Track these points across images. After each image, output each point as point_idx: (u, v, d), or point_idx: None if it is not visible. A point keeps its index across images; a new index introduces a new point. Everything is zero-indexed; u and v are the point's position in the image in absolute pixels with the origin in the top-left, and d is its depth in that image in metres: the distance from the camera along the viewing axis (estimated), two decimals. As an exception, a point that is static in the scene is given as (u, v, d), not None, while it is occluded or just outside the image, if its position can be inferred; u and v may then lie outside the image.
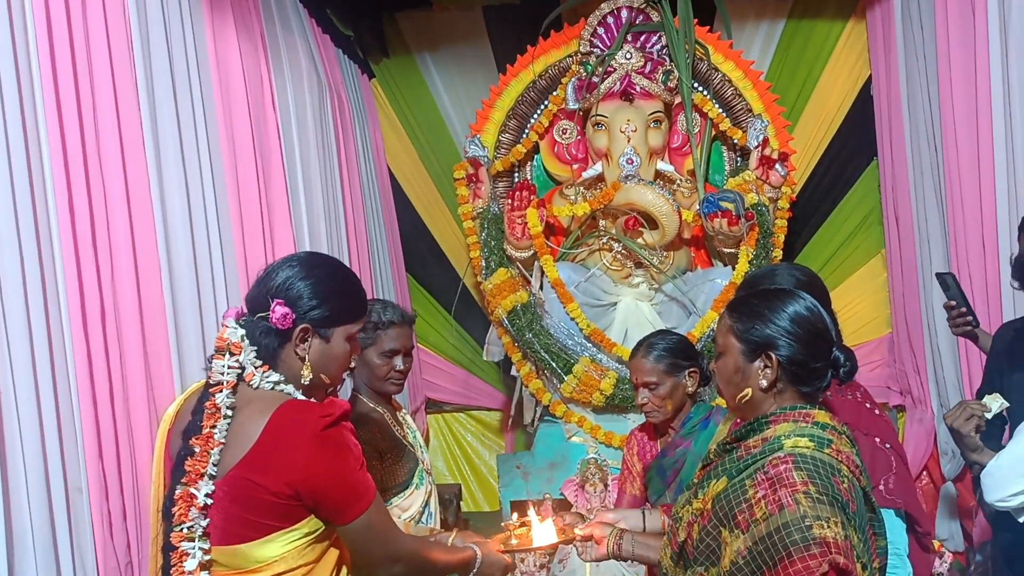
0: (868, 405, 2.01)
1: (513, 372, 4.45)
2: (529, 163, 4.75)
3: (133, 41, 2.50)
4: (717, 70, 4.41)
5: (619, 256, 4.34)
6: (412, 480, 2.23)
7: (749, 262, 4.04)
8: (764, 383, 1.47)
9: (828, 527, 1.27)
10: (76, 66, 2.26)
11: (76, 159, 2.22)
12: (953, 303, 2.62)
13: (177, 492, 1.49)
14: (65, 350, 2.12)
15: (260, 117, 3.31)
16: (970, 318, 2.63)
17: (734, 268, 4.11)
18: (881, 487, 1.86)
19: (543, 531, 1.99)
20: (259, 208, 3.18)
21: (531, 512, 2.05)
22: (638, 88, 4.29)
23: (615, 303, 4.31)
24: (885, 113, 4.39)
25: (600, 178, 4.35)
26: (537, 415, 4.44)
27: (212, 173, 2.86)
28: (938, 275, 2.72)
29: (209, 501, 1.48)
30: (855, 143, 4.74)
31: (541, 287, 4.29)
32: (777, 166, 4.22)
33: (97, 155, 2.31)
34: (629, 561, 1.94)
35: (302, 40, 3.92)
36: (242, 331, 1.56)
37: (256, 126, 3.23)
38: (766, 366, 1.47)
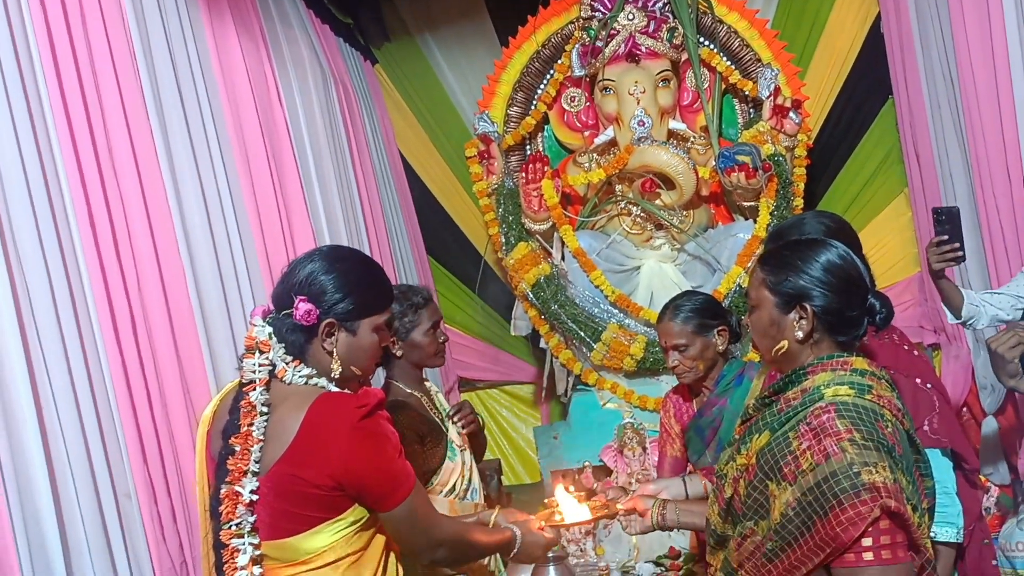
0: (905, 347, 1.98)
1: (542, 344, 4.45)
2: (540, 135, 4.71)
3: (136, 52, 2.51)
4: (722, 22, 4.34)
5: (638, 219, 4.31)
6: (444, 454, 2.25)
7: (770, 214, 4.00)
8: (800, 335, 1.45)
9: (876, 472, 1.26)
10: (82, 82, 2.28)
11: (92, 175, 2.24)
12: (945, 238, 2.57)
13: (223, 491, 1.51)
14: (100, 362, 2.15)
15: (268, 114, 3.31)
16: (960, 253, 2.58)
17: (755, 221, 4.07)
18: (926, 427, 1.84)
19: (583, 509, 2.00)
20: (275, 204, 3.19)
21: (559, 491, 2.04)
22: (643, 48, 4.23)
23: (638, 267, 4.29)
24: (897, 50, 4.30)
25: (613, 143, 4.31)
26: (570, 385, 4.44)
27: (226, 174, 2.87)
28: (935, 210, 2.66)
29: (255, 497, 1.49)
30: (868, 83, 4.65)
31: (563, 258, 4.28)
32: (791, 114, 4.16)
33: (112, 169, 2.33)
34: (675, 530, 1.95)
35: (302, 32, 3.90)
36: (269, 329, 1.57)
37: (265, 123, 3.23)
38: (801, 317, 1.45)
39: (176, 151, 2.62)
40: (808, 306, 1.44)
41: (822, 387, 1.40)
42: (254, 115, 3.17)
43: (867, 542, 1.25)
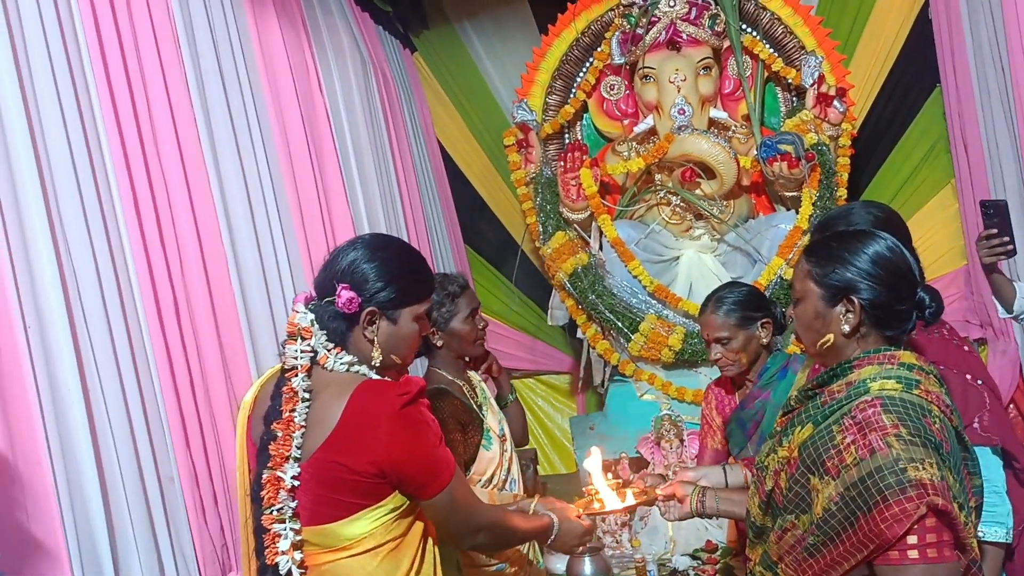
0: (955, 341, 1.94)
1: (579, 335, 4.43)
2: (579, 123, 4.68)
3: (180, 40, 2.54)
4: (765, 9, 4.26)
5: (678, 209, 4.27)
6: (480, 442, 2.25)
7: (813, 204, 3.93)
8: (846, 328, 1.42)
9: (923, 469, 1.23)
10: (128, 72, 2.31)
11: (137, 165, 2.27)
12: (994, 232, 2.49)
13: (264, 476, 1.52)
14: (145, 349, 2.19)
15: (309, 102, 3.33)
16: (1011, 247, 2.51)
17: (798, 212, 4.01)
18: (975, 424, 1.80)
19: (621, 494, 1.99)
20: (315, 193, 3.21)
21: (595, 477, 2.04)
22: (684, 36, 4.17)
23: (677, 257, 4.25)
24: (946, 36, 4.19)
25: (652, 132, 4.27)
26: (607, 375, 4.42)
27: (268, 163, 2.89)
28: (983, 203, 2.59)
29: (296, 483, 1.51)
30: (916, 71, 4.54)
31: (601, 247, 4.25)
32: (835, 102, 4.08)
33: (157, 158, 2.37)
34: (713, 518, 1.93)
35: (342, 20, 3.92)
36: (311, 316, 1.58)
37: (305, 111, 3.25)
38: (848, 311, 1.42)
39: (219, 139, 2.65)
40: (855, 299, 1.41)
41: (868, 380, 1.37)
42: (295, 103, 3.19)
43: (912, 540, 1.23)
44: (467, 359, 2.38)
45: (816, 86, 4.10)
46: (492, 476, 2.23)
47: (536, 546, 2.26)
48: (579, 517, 1.89)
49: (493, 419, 2.31)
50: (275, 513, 1.51)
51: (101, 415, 2.00)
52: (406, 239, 4.05)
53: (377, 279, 1.57)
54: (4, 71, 1.87)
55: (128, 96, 2.29)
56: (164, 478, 2.18)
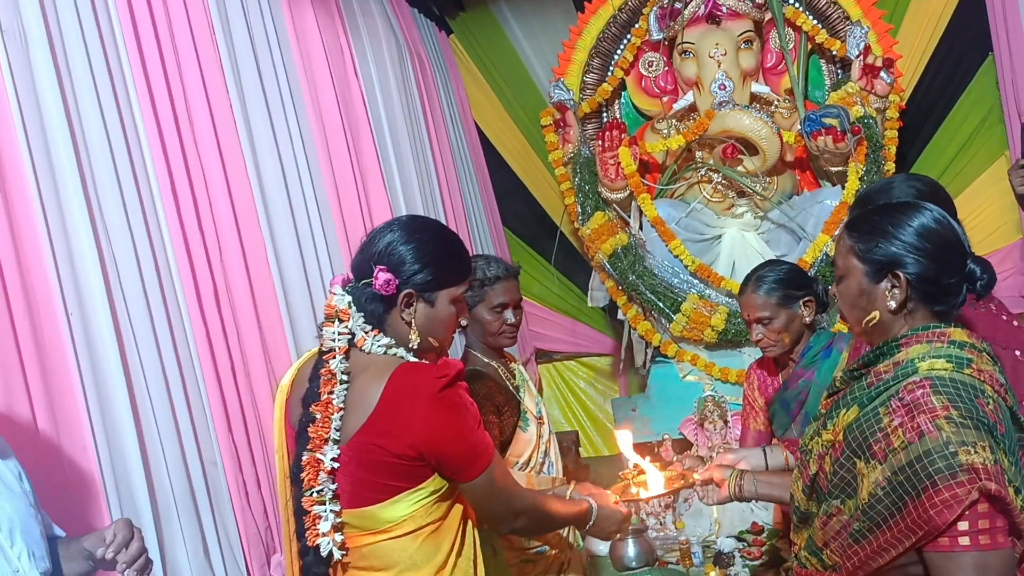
0: (1004, 317, 1.86)
1: (620, 316, 4.40)
2: (617, 101, 4.62)
3: (214, 25, 2.54)
4: (808, -22, 4.15)
5: (719, 187, 4.19)
6: (516, 424, 2.23)
7: (860, 179, 3.83)
8: (893, 304, 1.37)
9: (975, 452, 1.18)
10: (163, 58, 2.32)
11: (174, 150, 2.29)
12: None
13: (304, 458, 1.53)
14: (186, 335, 2.22)
15: (344, 86, 3.33)
16: None
17: (843, 187, 3.91)
18: (1029, 403, 1.73)
19: (659, 478, 1.96)
20: (352, 176, 3.21)
21: (629, 461, 2.01)
22: (724, 9, 4.09)
23: (719, 236, 4.18)
24: (998, 3, 4.04)
25: (692, 108, 4.20)
26: (648, 357, 4.38)
27: (304, 146, 2.90)
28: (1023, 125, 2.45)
29: (336, 465, 1.51)
30: (967, 40, 4.39)
31: (641, 227, 4.20)
32: (882, 74, 3.96)
33: (193, 143, 2.38)
34: (753, 501, 1.89)
35: (377, 3, 3.91)
36: (349, 298, 1.57)
37: (341, 95, 3.25)
38: (894, 286, 1.37)
39: (255, 124, 2.66)
40: (901, 274, 1.35)
41: (916, 360, 1.31)
42: (330, 87, 3.19)
43: (963, 526, 1.18)
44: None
45: (862, 57, 3.98)
46: (529, 459, 2.22)
47: (576, 529, 2.24)
48: (616, 504, 1.87)
49: (530, 401, 2.29)
50: (315, 495, 1.51)
51: (144, 401, 2.03)
52: (444, 221, 4.04)
53: (414, 261, 1.56)
54: (40, 57, 1.89)
55: (164, 82, 2.30)
56: (207, 462, 2.21)
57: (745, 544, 3.25)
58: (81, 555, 1.48)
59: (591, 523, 1.82)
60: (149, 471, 2.00)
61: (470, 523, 1.64)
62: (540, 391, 4.09)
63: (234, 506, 2.29)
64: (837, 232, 3.72)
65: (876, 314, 1.39)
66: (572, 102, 4.35)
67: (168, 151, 2.27)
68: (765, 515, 3.32)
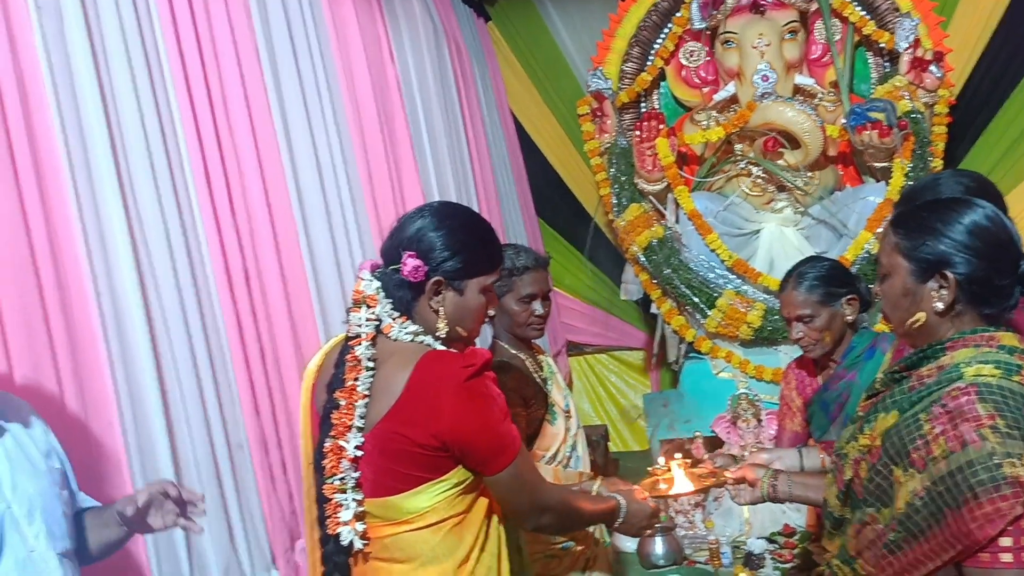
0: (1056, 321, 1.78)
1: (653, 310, 4.35)
2: (655, 91, 4.56)
3: (252, 12, 2.54)
4: (856, -31, 4.05)
5: (759, 181, 4.12)
6: (544, 416, 2.19)
7: (905, 175, 3.74)
8: (940, 306, 1.30)
9: (1021, 465, 1.12)
10: (200, 44, 2.31)
11: (208, 133, 2.28)
12: None
13: (327, 445, 1.51)
14: (216, 318, 2.21)
15: (380, 72, 3.31)
16: None
17: (888, 183, 3.82)
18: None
19: (689, 476, 1.91)
20: (385, 162, 3.20)
21: (668, 462, 1.97)
22: (769, -2, 4.00)
23: (758, 231, 4.11)
24: (1057, -6, 3.91)
25: (733, 99, 4.13)
26: (681, 352, 4.33)
27: (338, 132, 2.89)
28: None
29: (359, 453, 1.48)
30: (1021, 33, 4.25)
31: (677, 220, 4.15)
32: (931, 67, 3.86)
33: (228, 127, 2.38)
34: (786, 503, 1.83)
35: (415, -11, 3.88)
36: (377, 283, 1.54)
37: (376, 80, 3.23)
38: (941, 287, 1.30)
39: (289, 109, 2.65)
40: (950, 274, 1.29)
41: (962, 364, 1.25)
42: (366, 73, 3.17)
43: (1006, 542, 1.12)
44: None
45: (911, 50, 3.88)
46: (556, 452, 2.18)
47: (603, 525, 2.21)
48: (645, 499, 1.82)
49: (558, 394, 2.25)
50: (337, 483, 1.49)
51: (172, 382, 2.03)
52: (476, 210, 4.02)
53: (444, 248, 1.53)
54: (76, 39, 1.89)
55: (199, 65, 2.30)
56: (234, 445, 2.21)
57: (776, 546, 3.19)
58: (114, 520, 1.48)
59: (620, 520, 1.78)
60: (176, 453, 2.00)
61: (495, 518, 1.61)
62: (570, 384, 4.05)
63: (259, 490, 2.29)
64: (881, 229, 3.66)
65: (922, 315, 1.33)
66: (610, 91, 4.30)
67: (202, 134, 2.26)
68: (798, 517, 3.25)
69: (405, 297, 1.54)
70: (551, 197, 5.19)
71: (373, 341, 1.53)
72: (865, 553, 1.28)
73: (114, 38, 2.00)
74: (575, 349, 5.29)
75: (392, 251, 1.55)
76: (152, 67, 2.11)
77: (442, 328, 1.54)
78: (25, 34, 1.77)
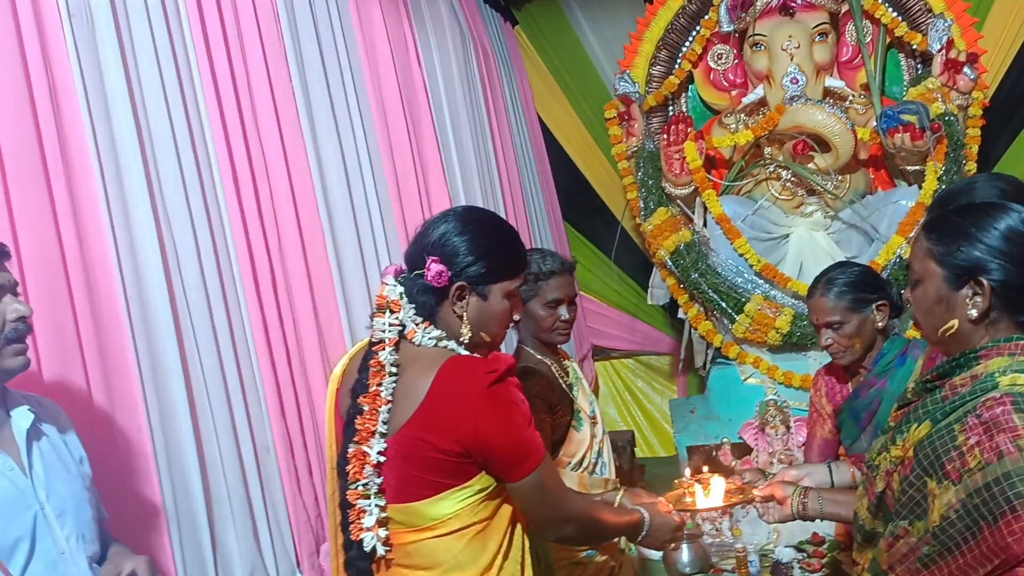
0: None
1: (680, 315, 4.32)
2: (683, 94, 4.53)
3: (280, 14, 2.55)
4: (889, -31, 4.00)
5: (788, 184, 4.07)
6: (570, 423, 2.18)
7: (938, 179, 3.68)
8: (974, 313, 1.27)
9: (1060, 477, 1.09)
10: (228, 45, 2.33)
11: (236, 138, 2.29)
12: None
13: (350, 450, 1.51)
14: (243, 320, 2.22)
15: (407, 76, 3.31)
16: None
17: (920, 187, 3.76)
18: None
19: (717, 491, 1.88)
20: (413, 166, 3.20)
21: (693, 476, 1.94)
22: (799, 0, 3.95)
23: (787, 235, 4.07)
24: (1095, -6, 3.82)
25: (762, 102, 4.09)
26: (709, 358, 4.29)
27: (365, 135, 2.89)
28: None
29: (382, 459, 1.48)
30: (1059, 34, 4.17)
31: (705, 224, 4.11)
32: (965, 69, 3.79)
33: (256, 131, 2.39)
34: (818, 520, 1.80)
35: (442, -7, 3.89)
36: (401, 288, 1.54)
37: (403, 85, 3.24)
38: (975, 293, 1.27)
39: (317, 112, 2.66)
40: (985, 280, 1.25)
41: (996, 374, 1.22)
42: (393, 76, 3.18)
43: (1045, 557, 1.09)
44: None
45: (944, 52, 3.82)
46: (583, 459, 2.17)
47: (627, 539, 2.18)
48: (669, 512, 1.80)
49: (584, 400, 2.24)
50: (360, 488, 1.49)
51: (199, 385, 2.04)
52: (503, 214, 4.01)
53: (468, 253, 1.52)
54: (107, 43, 1.90)
55: (228, 69, 2.31)
56: (260, 448, 2.22)
57: (805, 555, 3.15)
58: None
59: (644, 534, 1.76)
60: (202, 454, 2.01)
61: (519, 526, 1.60)
62: (596, 389, 4.03)
63: (285, 493, 2.29)
64: (914, 233, 3.60)
65: (955, 323, 1.29)
66: (637, 95, 4.28)
67: (230, 138, 2.28)
68: (827, 525, 3.20)
69: (428, 302, 1.53)
70: (578, 201, 5.18)
71: (396, 346, 1.52)
72: (898, 567, 1.25)
73: (144, 43, 2.02)
74: (601, 354, 5.27)
75: (416, 256, 1.55)
76: (181, 72, 2.13)
77: (465, 333, 1.53)
78: (57, 41, 1.79)
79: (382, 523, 1.50)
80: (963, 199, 1.73)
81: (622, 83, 4.28)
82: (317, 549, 2.39)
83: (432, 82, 3.52)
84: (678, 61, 4.38)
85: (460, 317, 1.53)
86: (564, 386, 2.20)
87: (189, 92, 2.15)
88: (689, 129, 4.08)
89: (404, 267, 1.59)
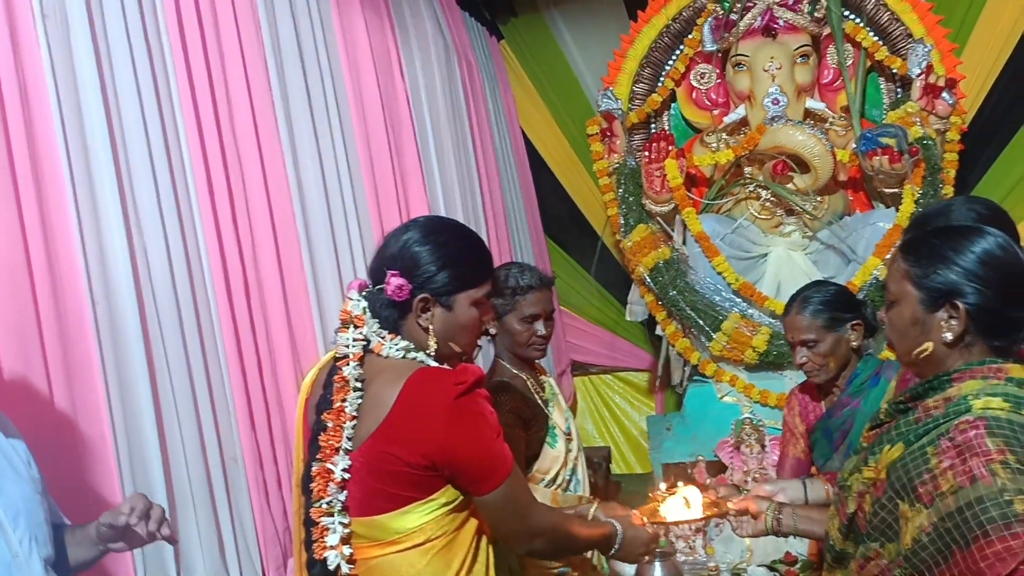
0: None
1: (658, 331, 4.31)
2: (666, 112, 4.55)
3: (261, 22, 2.53)
4: (870, -6, 4.04)
5: (768, 204, 4.09)
6: (544, 439, 2.15)
7: (915, 202, 3.71)
8: (949, 336, 1.26)
9: (1033, 502, 1.08)
10: (207, 51, 2.30)
11: (212, 143, 2.26)
12: None
13: (314, 468, 1.48)
14: (214, 327, 2.19)
15: (389, 87, 3.30)
16: None
17: (897, 209, 3.79)
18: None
19: (692, 504, 1.87)
20: (392, 177, 3.18)
21: (669, 489, 1.92)
22: (781, 22, 4.00)
23: (765, 254, 4.08)
24: (1072, 24, 3.88)
25: (743, 122, 4.11)
26: (686, 375, 4.29)
27: (345, 146, 2.87)
28: None
29: (347, 476, 1.45)
30: (1036, 62, 4.23)
31: (684, 242, 4.12)
32: (944, 94, 3.83)
33: (233, 137, 2.36)
34: (791, 536, 1.79)
35: (427, 6, 3.88)
36: (364, 303, 1.51)
37: (385, 96, 3.22)
38: (951, 317, 1.26)
39: (296, 120, 2.64)
40: (960, 304, 1.25)
41: (970, 397, 1.21)
42: (375, 88, 3.16)
43: (1017, 582, 1.08)
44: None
45: (923, 76, 3.86)
46: (556, 475, 2.14)
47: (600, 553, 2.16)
48: (643, 524, 1.78)
49: (559, 416, 2.22)
50: (324, 506, 1.46)
51: (167, 393, 2.00)
52: (484, 228, 4.00)
53: (430, 263, 1.49)
54: (81, 45, 1.88)
55: (206, 76, 2.28)
56: (228, 458, 2.18)
57: (777, 574, 3.13)
58: (89, 541, 1.45)
59: (617, 547, 1.73)
60: (168, 464, 1.97)
61: (484, 539, 1.57)
62: (574, 404, 4.00)
63: (253, 505, 2.25)
64: (891, 254, 3.62)
65: (929, 345, 1.29)
66: (620, 112, 4.29)
67: (206, 143, 2.25)
68: (800, 545, 3.19)
69: (392, 316, 1.50)
70: (559, 216, 5.18)
71: (361, 361, 1.49)
72: (868, 589, 1.24)
73: (119, 46, 1.99)
74: (580, 369, 5.25)
75: (378, 270, 1.53)
76: (157, 75, 2.10)
77: (432, 346, 1.50)
78: (29, 40, 1.76)
79: (346, 540, 1.47)
80: (940, 221, 1.74)
81: (605, 100, 4.29)
82: (284, 563, 2.34)
83: (415, 94, 3.51)
84: (661, 79, 4.40)
85: (426, 330, 1.50)
86: (540, 401, 2.18)
87: (165, 97, 2.12)
88: (670, 147, 4.10)
89: (368, 282, 1.56)
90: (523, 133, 5.07)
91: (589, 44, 4.96)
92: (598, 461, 4.27)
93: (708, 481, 3.75)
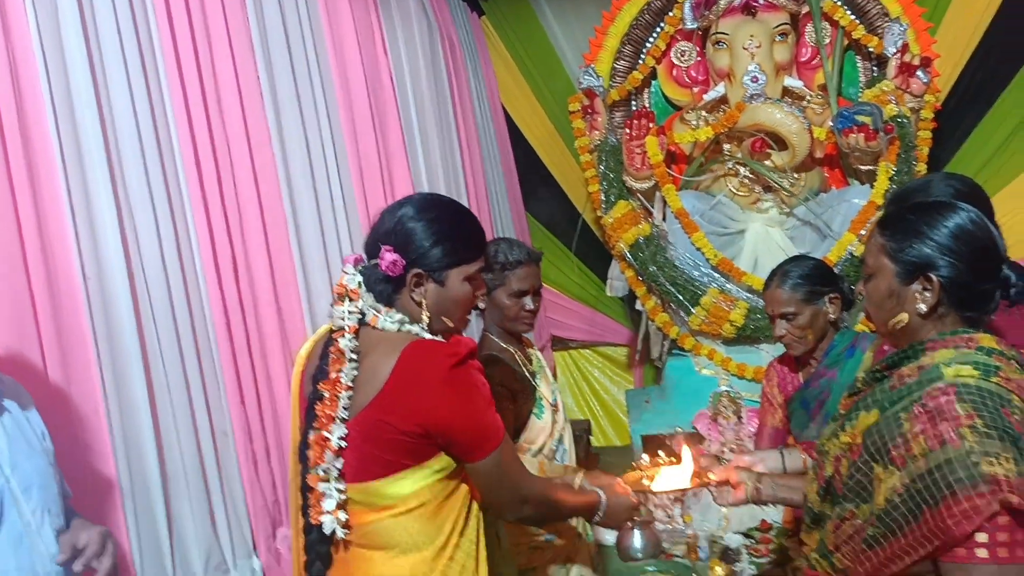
0: (1037, 325, 1.81)
1: (638, 306, 4.37)
2: (646, 90, 4.58)
3: (247, 3, 2.52)
4: (847, -27, 4.08)
5: (746, 181, 4.15)
6: (531, 411, 2.21)
7: (890, 179, 3.78)
8: (923, 308, 1.33)
9: (998, 463, 1.14)
10: (193, 32, 2.30)
11: (200, 123, 2.27)
12: None
13: (311, 436, 1.51)
14: (203, 305, 2.21)
15: (373, 65, 3.30)
16: None
17: (872, 186, 3.86)
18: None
19: (676, 473, 1.93)
20: (377, 155, 3.20)
21: (653, 460, 1.98)
22: (761, 0, 4.01)
23: (743, 230, 4.14)
24: (1044, 4, 3.95)
25: (723, 100, 4.15)
26: (665, 349, 4.36)
27: (330, 125, 2.88)
28: None
29: (343, 444, 1.49)
30: (1008, 43, 4.31)
31: (664, 218, 4.17)
32: (919, 73, 3.89)
33: (220, 117, 2.37)
34: (770, 505, 1.85)
35: (409, -19, 3.87)
36: (360, 278, 1.55)
37: (369, 74, 3.23)
38: (925, 289, 1.33)
39: (282, 101, 2.64)
40: (934, 277, 1.31)
41: (942, 365, 1.27)
42: (359, 66, 3.17)
43: (982, 538, 1.14)
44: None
45: (899, 55, 3.92)
46: (543, 446, 2.20)
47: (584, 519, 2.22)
48: (626, 493, 1.84)
49: (546, 388, 2.27)
50: (321, 473, 1.50)
51: (158, 369, 2.03)
52: (465, 204, 4.01)
53: (424, 239, 1.53)
54: (71, 32, 1.88)
55: (193, 57, 2.28)
56: (218, 432, 2.21)
57: (753, 541, 3.22)
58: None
59: (601, 514, 1.79)
60: (160, 438, 2.00)
61: (475, 504, 1.62)
62: (554, 378, 4.04)
63: (243, 477, 2.29)
64: (865, 231, 3.70)
65: (904, 316, 1.35)
66: (601, 89, 4.31)
67: (194, 125, 2.25)
68: (775, 513, 3.28)
69: (386, 291, 1.54)
70: (540, 192, 5.20)
71: (356, 333, 1.53)
72: (843, 548, 1.30)
73: (109, 30, 1.99)
74: (559, 344, 5.31)
75: (373, 245, 1.56)
76: (145, 56, 2.10)
77: (425, 320, 1.54)
78: (21, 31, 1.76)
79: (342, 506, 1.51)
80: (918, 197, 1.79)
81: (586, 77, 4.31)
82: (274, 533, 2.39)
83: (398, 72, 3.51)
84: (642, 57, 4.42)
85: (419, 304, 1.54)
86: (527, 374, 2.22)
87: (153, 78, 2.12)
88: (651, 124, 4.13)
89: (364, 256, 1.59)
90: (504, 109, 5.08)
91: (570, 21, 4.97)
92: (578, 434, 4.34)
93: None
